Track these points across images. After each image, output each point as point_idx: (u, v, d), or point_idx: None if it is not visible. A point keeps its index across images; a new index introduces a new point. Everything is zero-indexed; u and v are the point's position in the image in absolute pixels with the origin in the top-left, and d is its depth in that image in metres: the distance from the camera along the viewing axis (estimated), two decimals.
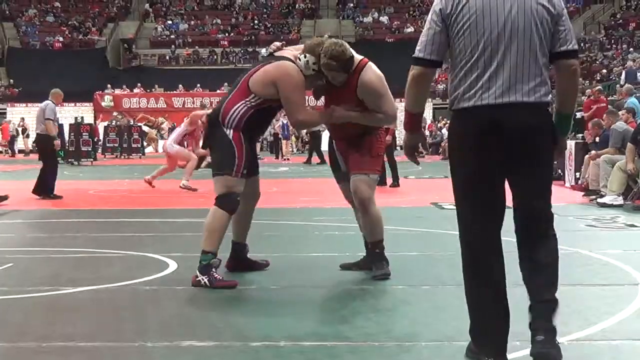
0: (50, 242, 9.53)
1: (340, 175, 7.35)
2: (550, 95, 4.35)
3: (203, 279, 6.59)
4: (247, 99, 6.82)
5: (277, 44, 7.29)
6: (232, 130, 6.77)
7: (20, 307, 6.01)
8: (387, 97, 6.90)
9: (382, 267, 6.96)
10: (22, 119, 45.45)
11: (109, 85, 49.22)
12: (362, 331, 5.19)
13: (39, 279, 7.17)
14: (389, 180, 17.59)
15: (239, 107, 6.80)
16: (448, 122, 4.40)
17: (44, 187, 15.74)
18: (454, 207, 4.44)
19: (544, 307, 4.20)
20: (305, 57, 6.79)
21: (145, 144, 41.41)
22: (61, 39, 56.73)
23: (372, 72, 6.86)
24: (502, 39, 4.22)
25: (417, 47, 4.32)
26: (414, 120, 4.54)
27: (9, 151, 44.11)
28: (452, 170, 4.43)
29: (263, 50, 53.76)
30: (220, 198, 6.79)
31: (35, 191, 15.70)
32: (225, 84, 47.46)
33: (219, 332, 5.19)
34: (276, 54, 7.03)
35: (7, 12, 58.96)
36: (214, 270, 6.66)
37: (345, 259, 7.48)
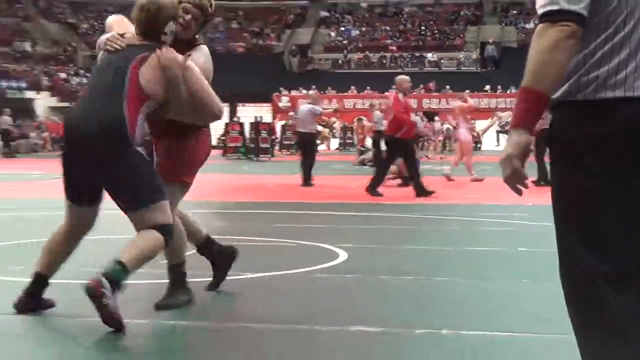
0: (231, 231, 9.71)
1: None
2: None
3: (109, 299, 4.61)
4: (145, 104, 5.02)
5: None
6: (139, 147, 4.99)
7: (202, 290, 6.14)
8: None
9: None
10: None
11: (282, 88, 49.85)
12: (524, 324, 5.09)
13: None
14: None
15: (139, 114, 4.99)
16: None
17: (307, 178, 17.28)
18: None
19: None
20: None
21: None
22: (243, 44, 57.90)
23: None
24: None
25: None
26: (539, 105, 2.64)
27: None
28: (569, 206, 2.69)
29: (429, 55, 53.71)
30: (167, 227, 5.01)
31: (305, 184, 17.21)
32: (393, 86, 47.46)
33: (386, 319, 5.17)
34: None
35: None
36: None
37: (508, 254, 7.36)
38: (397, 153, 14.92)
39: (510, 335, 4.78)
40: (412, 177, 14.86)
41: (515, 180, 2.65)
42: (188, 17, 5.38)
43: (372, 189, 14.51)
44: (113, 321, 4.66)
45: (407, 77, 15.36)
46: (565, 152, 2.68)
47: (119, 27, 5.36)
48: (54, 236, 5.21)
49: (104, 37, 5.19)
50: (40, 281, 5.17)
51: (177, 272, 5.55)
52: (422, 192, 14.18)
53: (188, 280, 5.61)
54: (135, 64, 5.00)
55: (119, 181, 4.96)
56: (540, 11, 2.66)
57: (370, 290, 6.20)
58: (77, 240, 5.26)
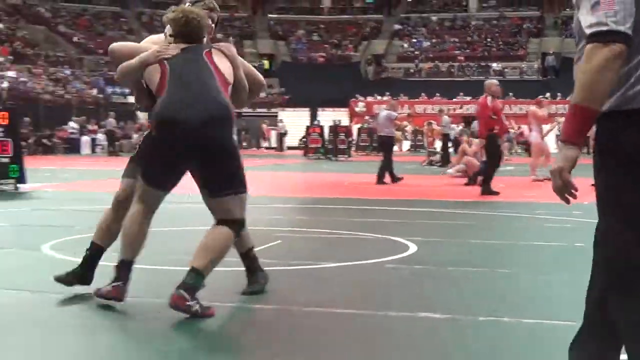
0: (312, 224, 9.76)
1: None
2: None
3: (194, 306, 4.67)
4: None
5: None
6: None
7: (286, 278, 6.17)
8: None
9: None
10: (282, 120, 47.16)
11: (358, 94, 49.75)
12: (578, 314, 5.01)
13: (301, 254, 7.35)
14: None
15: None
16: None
17: (383, 176, 17.36)
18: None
19: None
20: None
21: None
22: (323, 54, 58.01)
23: None
24: None
25: (608, 17, 2.56)
26: (588, 121, 2.62)
27: None
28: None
29: (494, 65, 53.13)
30: (240, 223, 5.02)
31: (379, 182, 17.21)
32: (461, 93, 47.05)
33: (452, 307, 5.15)
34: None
35: (280, 32, 60.93)
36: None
37: (567, 249, 7.25)
38: (494, 150, 14.29)
39: (569, 324, 4.71)
40: (484, 176, 14.55)
41: (564, 191, 2.66)
42: (210, 22, 5.38)
43: (486, 189, 14.13)
44: (207, 317, 4.73)
45: (495, 81, 14.91)
46: (614, 158, 2.66)
47: (134, 46, 5.31)
48: (132, 224, 4.96)
49: (147, 54, 5.01)
50: (128, 266, 4.96)
51: (249, 258, 5.55)
52: (488, 191, 14.04)
53: (273, 268, 5.66)
54: (207, 55, 5.01)
55: (219, 167, 4.88)
56: (588, 31, 2.60)
57: (438, 280, 6.17)
58: (150, 223, 5.09)
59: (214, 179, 4.92)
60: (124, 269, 4.94)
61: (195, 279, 4.71)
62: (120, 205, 5.26)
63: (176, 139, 4.82)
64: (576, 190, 2.66)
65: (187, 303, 4.63)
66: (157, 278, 5.88)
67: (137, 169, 5.20)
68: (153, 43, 5.30)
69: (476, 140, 18.63)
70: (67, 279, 5.25)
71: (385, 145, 18.19)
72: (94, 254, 5.31)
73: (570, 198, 2.67)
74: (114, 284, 4.91)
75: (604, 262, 2.79)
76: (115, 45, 5.42)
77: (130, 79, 5.22)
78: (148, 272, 5.73)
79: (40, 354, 4.16)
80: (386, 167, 17.43)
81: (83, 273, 5.28)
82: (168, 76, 4.93)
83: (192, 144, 4.81)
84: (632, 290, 2.70)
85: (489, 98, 14.24)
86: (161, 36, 5.42)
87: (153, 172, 5.00)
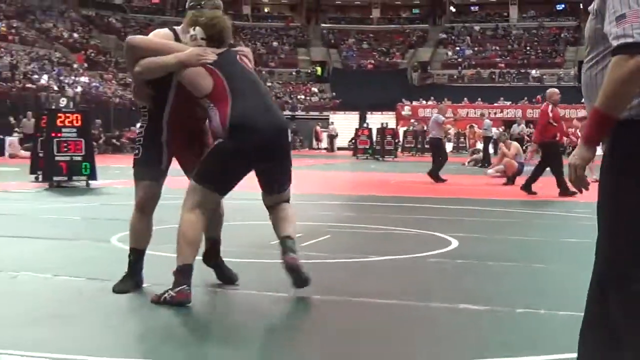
0: (360, 220, 9.73)
1: (154, 174, 5.13)
2: None
3: (303, 268, 4.93)
4: None
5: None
6: None
7: (333, 270, 6.16)
8: None
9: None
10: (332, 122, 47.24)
11: (405, 99, 49.56)
12: None
13: (349, 248, 7.33)
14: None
15: None
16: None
17: (431, 175, 17.24)
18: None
19: None
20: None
21: None
22: (372, 61, 57.92)
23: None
24: None
25: (634, 29, 2.49)
26: (607, 127, 2.62)
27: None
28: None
29: (533, 72, 52.55)
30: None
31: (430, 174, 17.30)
32: (502, 98, 46.62)
33: (491, 298, 5.09)
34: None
35: (332, 41, 60.95)
36: None
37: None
38: (550, 155, 13.89)
39: None
40: (533, 177, 14.24)
41: (578, 184, 2.81)
42: None
43: (527, 187, 13.85)
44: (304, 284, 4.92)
45: (556, 90, 14.56)
46: (624, 163, 2.67)
47: (158, 43, 5.00)
48: (194, 231, 4.76)
49: (187, 55, 4.82)
50: (191, 270, 4.73)
51: (214, 248, 5.45)
52: (528, 190, 13.85)
53: (322, 260, 5.64)
54: (241, 60, 4.99)
55: (284, 169, 4.98)
56: (614, 43, 2.54)
57: (478, 274, 6.11)
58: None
59: (278, 180, 5.01)
60: (187, 273, 4.70)
61: (294, 244, 4.92)
62: (146, 206, 5.08)
63: (255, 145, 4.70)
64: (588, 184, 2.81)
65: (300, 264, 4.87)
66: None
67: (148, 171, 5.07)
68: (162, 38, 5.08)
69: (515, 144, 18.47)
70: (125, 288, 5.06)
71: (432, 146, 18.35)
72: (137, 258, 5.16)
73: (583, 189, 2.85)
74: (177, 288, 4.66)
75: (604, 261, 2.87)
76: (135, 38, 5.13)
77: (158, 76, 4.92)
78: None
79: (102, 337, 4.20)
80: (436, 167, 17.36)
81: (133, 278, 5.15)
82: (226, 82, 4.78)
83: (269, 149, 4.78)
84: (630, 288, 2.74)
85: (550, 106, 14.01)
86: (168, 32, 5.14)
87: (226, 179, 4.84)
